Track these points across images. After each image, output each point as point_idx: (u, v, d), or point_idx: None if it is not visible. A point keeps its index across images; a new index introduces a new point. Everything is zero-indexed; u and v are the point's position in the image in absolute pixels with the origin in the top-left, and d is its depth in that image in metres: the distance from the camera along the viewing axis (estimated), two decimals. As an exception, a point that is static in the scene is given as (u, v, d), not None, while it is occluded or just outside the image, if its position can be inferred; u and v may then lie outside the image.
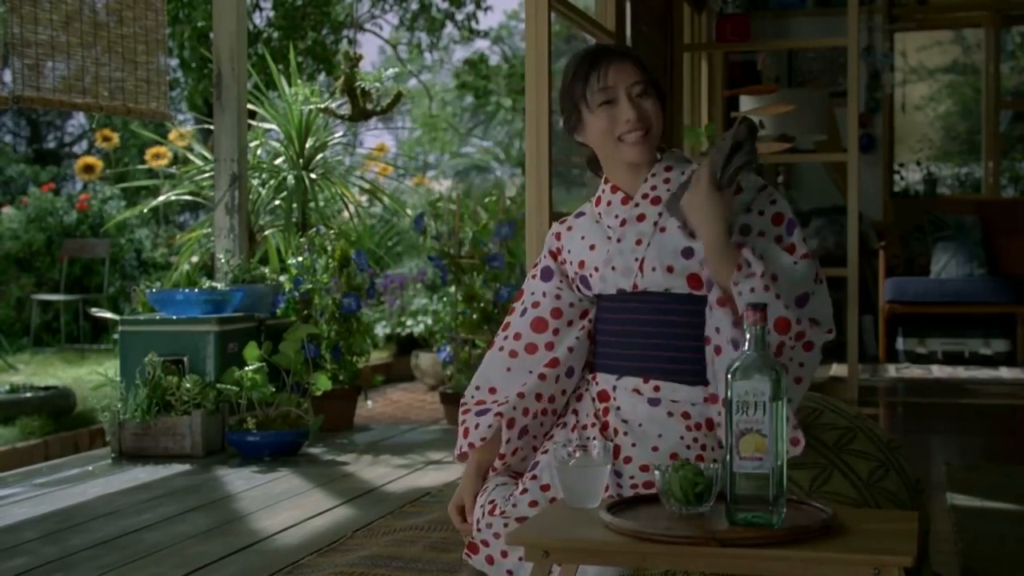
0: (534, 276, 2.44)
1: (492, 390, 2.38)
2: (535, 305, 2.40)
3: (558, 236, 2.44)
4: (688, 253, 2.23)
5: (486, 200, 5.33)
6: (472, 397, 2.40)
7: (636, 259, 2.26)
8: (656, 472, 1.80)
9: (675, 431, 2.18)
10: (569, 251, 2.39)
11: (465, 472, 2.37)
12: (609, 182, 2.38)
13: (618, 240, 2.29)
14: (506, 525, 2.20)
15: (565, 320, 2.36)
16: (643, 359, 2.27)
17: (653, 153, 2.32)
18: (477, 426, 2.34)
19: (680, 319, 2.24)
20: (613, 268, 2.29)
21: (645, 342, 2.27)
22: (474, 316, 5.15)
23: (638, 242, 2.27)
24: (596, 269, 2.31)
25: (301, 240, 4.97)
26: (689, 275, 2.23)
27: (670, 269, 2.23)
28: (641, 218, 2.29)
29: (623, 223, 2.30)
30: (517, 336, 2.39)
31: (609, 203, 2.36)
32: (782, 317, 2.10)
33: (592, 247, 2.34)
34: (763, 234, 2.22)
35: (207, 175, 5.23)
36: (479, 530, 2.27)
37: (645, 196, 2.31)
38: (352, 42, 10.60)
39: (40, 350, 8.07)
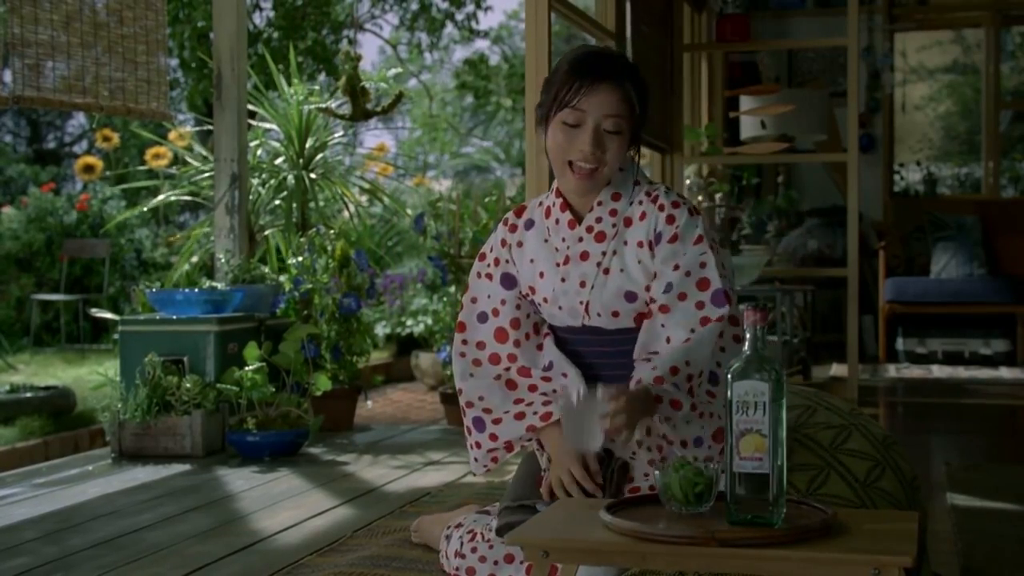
0: (490, 277, 2.35)
1: (480, 398, 2.31)
2: (495, 313, 2.32)
3: (508, 247, 2.34)
4: (631, 297, 2.19)
5: (486, 200, 5.32)
6: (465, 402, 2.33)
7: (581, 302, 2.22)
8: (656, 472, 1.80)
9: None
10: (519, 272, 2.32)
11: (550, 446, 2.21)
12: (561, 196, 2.29)
13: (562, 280, 2.24)
14: (491, 547, 2.20)
15: (523, 332, 2.31)
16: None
17: (599, 187, 2.23)
18: (491, 439, 2.30)
19: (631, 348, 2.20)
20: (560, 308, 2.25)
21: (597, 372, 2.24)
22: (474, 316, 5.15)
23: (582, 284, 2.22)
24: (545, 300, 2.27)
25: (301, 240, 4.97)
26: (636, 315, 2.20)
27: (615, 314, 2.20)
28: (585, 256, 2.23)
29: (567, 260, 2.24)
30: (480, 345, 2.32)
31: (557, 221, 2.28)
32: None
33: (541, 274, 2.27)
34: (684, 297, 2.14)
35: (207, 175, 5.23)
36: (463, 556, 2.26)
37: (590, 229, 2.23)
38: (352, 42, 10.61)
39: (40, 350, 8.07)
